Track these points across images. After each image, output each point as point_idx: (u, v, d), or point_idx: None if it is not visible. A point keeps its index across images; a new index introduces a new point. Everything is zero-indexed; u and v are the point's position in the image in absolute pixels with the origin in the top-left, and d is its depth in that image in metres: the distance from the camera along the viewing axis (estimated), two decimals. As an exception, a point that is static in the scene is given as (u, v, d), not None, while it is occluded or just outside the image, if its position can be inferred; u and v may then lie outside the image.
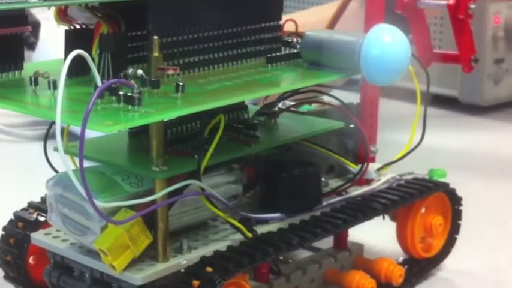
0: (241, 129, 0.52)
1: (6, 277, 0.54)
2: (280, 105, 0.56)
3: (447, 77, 1.04)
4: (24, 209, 0.54)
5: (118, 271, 0.45)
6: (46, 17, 1.15)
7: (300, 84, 0.50)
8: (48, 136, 0.51)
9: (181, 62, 0.47)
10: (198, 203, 0.48)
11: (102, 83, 0.41)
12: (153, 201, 0.45)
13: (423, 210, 0.59)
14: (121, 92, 0.41)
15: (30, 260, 0.54)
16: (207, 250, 0.47)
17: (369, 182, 0.58)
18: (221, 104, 0.44)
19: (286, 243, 0.49)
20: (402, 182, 0.59)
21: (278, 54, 0.52)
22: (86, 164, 0.45)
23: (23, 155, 0.90)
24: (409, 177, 0.60)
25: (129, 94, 0.41)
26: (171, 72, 0.44)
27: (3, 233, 0.54)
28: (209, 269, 0.45)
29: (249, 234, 0.49)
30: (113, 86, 0.41)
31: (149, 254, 0.46)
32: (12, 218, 0.54)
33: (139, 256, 0.46)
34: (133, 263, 0.46)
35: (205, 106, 0.43)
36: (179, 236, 0.48)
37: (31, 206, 0.55)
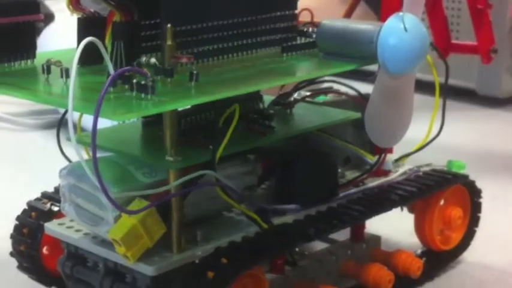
0: (257, 119, 0.51)
1: (20, 267, 0.54)
2: (295, 95, 0.55)
3: (465, 70, 1.02)
4: (37, 199, 0.54)
5: (132, 262, 0.44)
6: (60, 9, 1.16)
7: (315, 74, 0.49)
8: (61, 125, 0.51)
9: (195, 50, 0.47)
10: (212, 193, 0.48)
11: (115, 71, 0.40)
12: (167, 192, 0.45)
13: (442, 202, 0.58)
14: (134, 81, 0.40)
15: (44, 250, 0.53)
16: (222, 241, 0.47)
17: (386, 173, 0.57)
18: (235, 93, 0.43)
19: (303, 235, 0.48)
20: (420, 173, 0.58)
21: (293, 43, 0.51)
22: (99, 154, 0.45)
23: (26, 143, 0.91)
24: (427, 168, 0.59)
25: (142, 82, 0.40)
26: (184, 60, 0.43)
27: (17, 222, 0.53)
28: (224, 260, 0.44)
29: (265, 225, 0.48)
30: (126, 74, 0.41)
31: (163, 245, 0.46)
32: (26, 208, 0.54)
33: (153, 247, 0.45)
34: (147, 254, 0.45)
35: (219, 95, 0.42)
36: (194, 227, 0.48)
37: (44, 196, 0.54)
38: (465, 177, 0.59)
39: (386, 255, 0.56)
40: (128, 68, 0.40)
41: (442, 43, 0.64)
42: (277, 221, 0.50)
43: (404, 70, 0.47)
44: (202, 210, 0.49)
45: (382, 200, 0.53)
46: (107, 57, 0.40)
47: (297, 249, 0.54)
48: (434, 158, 0.60)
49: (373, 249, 0.57)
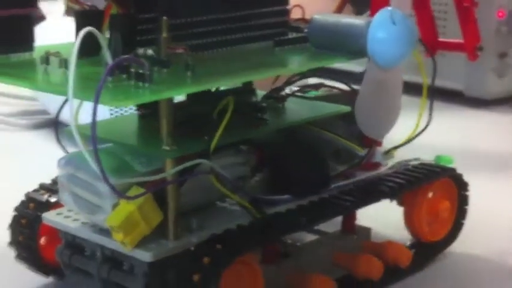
0: (250, 112, 0.53)
1: (19, 257, 0.55)
2: (287, 90, 0.57)
3: (452, 71, 1.04)
4: (35, 190, 0.55)
5: (129, 248, 0.46)
6: (51, 11, 1.17)
7: (306, 66, 0.51)
8: (58, 117, 0.52)
9: (189, 43, 0.48)
10: (207, 183, 0.49)
11: (113, 61, 0.41)
12: (164, 180, 0.46)
13: (430, 195, 0.60)
14: (132, 70, 0.42)
15: (42, 240, 0.54)
16: (217, 229, 0.48)
17: (376, 167, 0.59)
18: (230, 82, 0.44)
19: (296, 223, 0.50)
20: (409, 167, 0.59)
21: (285, 38, 0.53)
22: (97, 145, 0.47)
23: (17, 143, 0.92)
24: (415, 162, 0.61)
25: (140, 71, 0.41)
26: (180, 51, 0.44)
27: (15, 213, 0.54)
28: (219, 246, 0.45)
29: (258, 215, 0.49)
30: (123, 64, 0.42)
31: (160, 233, 0.47)
32: (24, 199, 0.55)
33: (149, 235, 0.46)
34: (144, 241, 0.46)
35: (214, 84, 0.44)
36: (189, 216, 0.49)
37: (42, 187, 0.55)
38: (453, 170, 0.60)
39: (377, 246, 0.58)
40: (127, 57, 0.41)
41: (429, 40, 0.65)
42: (270, 211, 0.51)
43: (392, 63, 0.49)
44: (198, 200, 0.50)
45: (372, 191, 0.55)
46: (105, 46, 0.41)
47: (289, 241, 0.56)
48: (422, 156, 0.61)
49: (364, 241, 0.58)
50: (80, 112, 0.49)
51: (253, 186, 0.53)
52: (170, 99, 0.46)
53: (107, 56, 0.42)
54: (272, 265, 0.52)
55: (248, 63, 0.48)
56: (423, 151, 0.62)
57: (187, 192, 0.48)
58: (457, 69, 1.04)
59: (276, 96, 0.56)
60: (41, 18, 1.08)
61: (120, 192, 0.43)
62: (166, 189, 0.46)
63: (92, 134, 0.39)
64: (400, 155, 0.61)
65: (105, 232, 0.47)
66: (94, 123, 0.39)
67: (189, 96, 0.52)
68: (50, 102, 0.90)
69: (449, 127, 0.96)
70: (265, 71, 0.47)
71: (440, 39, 0.66)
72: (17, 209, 0.54)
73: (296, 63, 0.51)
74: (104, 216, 0.46)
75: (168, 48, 0.45)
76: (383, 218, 0.62)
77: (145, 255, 0.46)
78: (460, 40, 0.65)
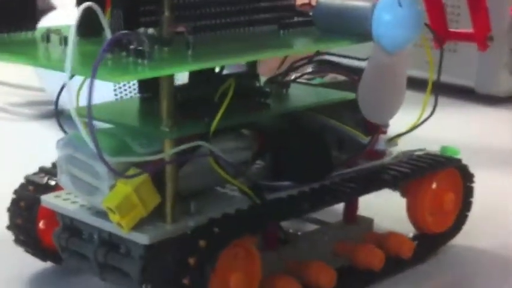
0: (253, 96, 0.52)
1: (16, 240, 0.54)
2: (292, 75, 0.56)
3: (464, 68, 1.03)
4: (35, 173, 0.55)
5: (126, 230, 0.45)
6: (63, 4, 1.17)
7: (310, 49, 0.50)
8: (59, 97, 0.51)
9: (192, 24, 0.47)
10: (207, 167, 0.48)
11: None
12: (161, 161, 0.45)
13: (434, 185, 0.59)
14: (131, 47, 0.41)
15: (41, 224, 0.54)
16: (215, 213, 0.47)
17: (380, 156, 0.58)
18: (231, 62, 0.44)
19: (295, 209, 0.49)
20: (413, 156, 0.59)
21: (290, 21, 0.52)
22: (98, 126, 0.46)
23: (23, 132, 0.92)
24: (420, 152, 0.60)
25: (139, 48, 0.41)
26: (181, 29, 0.44)
27: (14, 196, 0.54)
28: (216, 230, 0.45)
29: (257, 200, 0.49)
30: (123, 41, 0.41)
31: (157, 216, 0.46)
32: (23, 181, 0.54)
33: (147, 217, 0.46)
34: (142, 224, 0.46)
35: (215, 63, 0.43)
36: (188, 199, 0.48)
37: (42, 170, 0.55)
38: (458, 160, 0.59)
39: (379, 236, 0.57)
40: (125, 32, 0.41)
41: (439, 30, 0.64)
42: (271, 197, 0.50)
43: (398, 47, 0.48)
44: (197, 184, 0.49)
45: (373, 179, 0.54)
46: (104, 21, 0.41)
47: (290, 230, 0.55)
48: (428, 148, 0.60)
49: (366, 231, 0.58)
50: (81, 94, 0.49)
51: (254, 171, 0.53)
52: (171, 80, 0.45)
53: (107, 31, 0.41)
54: (272, 251, 0.51)
55: (251, 44, 0.48)
56: (430, 145, 0.61)
57: (186, 175, 0.48)
58: (469, 65, 1.03)
59: (279, 82, 0.55)
60: (50, 8, 1.09)
61: (116, 171, 0.43)
62: (164, 172, 0.46)
63: (88, 111, 0.39)
64: (406, 145, 0.60)
65: (103, 214, 0.46)
66: (90, 99, 0.38)
67: (191, 78, 0.51)
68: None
69: (459, 123, 0.95)
70: (268, 51, 0.47)
71: (450, 30, 0.65)
72: (16, 191, 0.54)
73: (300, 45, 0.50)
74: (101, 198, 0.46)
75: (170, 27, 0.44)
76: (386, 210, 0.61)
77: (142, 238, 0.45)
78: (470, 30, 0.63)
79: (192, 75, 0.51)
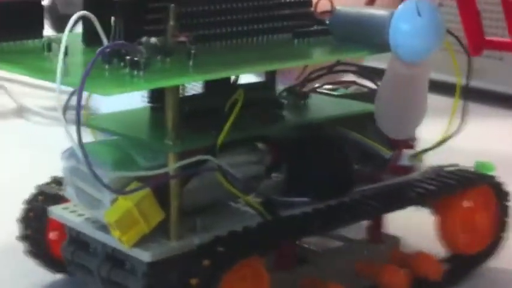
0: (266, 107, 0.50)
1: (27, 251, 0.53)
2: (311, 85, 0.54)
3: (510, 76, 0.98)
4: (47, 183, 0.53)
5: (127, 246, 0.43)
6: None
7: (324, 59, 0.48)
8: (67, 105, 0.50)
9: (199, 33, 0.46)
10: (215, 181, 0.46)
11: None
12: (166, 175, 0.43)
13: (465, 203, 0.55)
14: (127, 57, 0.39)
15: (51, 235, 0.52)
16: (222, 230, 0.45)
17: (407, 171, 0.55)
18: (235, 73, 0.42)
19: (308, 227, 0.46)
20: (442, 172, 0.55)
21: (305, 29, 0.49)
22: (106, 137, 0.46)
23: (52, 136, 0.91)
24: (451, 168, 0.56)
25: (135, 59, 0.39)
26: (182, 39, 0.42)
27: (25, 206, 0.53)
28: (221, 249, 0.43)
29: (268, 216, 0.46)
30: (123, 52, 0.40)
31: (162, 232, 0.44)
32: (34, 191, 0.53)
33: (152, 234, 0.44)
34: (145, 240, 0.44)
35: (216, 75, 0.41)
36: (194, 215, 0.46)
37: (54, 180, 0.54)
38: (491, 177, 0.56)
39: (405, 256, 0.54)
40: (118, 42, 0.39)
41: (474, 39, 0.61)
42: (286, 213, 0.48)
43: (416, 57, 0.45)
44: (205, 199, 0.47)
45: (396, 197, 0.51)
46: (100, 30, 0.40)
47: (306, 246, 0.53)
48: (465, 163, 0.57)
49: (392, 251, 0.55)
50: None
51: (268, 186, 0.50)
52: (176, 90, 0.43)
53: (103, 40, 0.40)
54: (285, 271, 0.49)
55: (261, 54, 0.45)
56: (467, 158, 0.58)
57: (193, 190, 0.46)
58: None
59: (298, 92, 0.53)
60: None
61: (110, 186, 0.41)
62: (168, 187, 0.44)
63: (76, 124, 0.37)
64: (438, 161, 0.57)
65: (107, 229, 0.45)
66: (78, 112, 0.37)
67: (205, 89, 0.50)
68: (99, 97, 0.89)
69: (502, 135, 0.90)
70: (279, 62, 0.45)
71: (488, 38, 0.61)
72: (26, 201, 0.53)
73: (313, 55, 0.47)
74: (103, 211, 0.44)
75: (172, 37, 0.42)
76: (418, 228, 0.58)
77: (144, 255, 0.43)
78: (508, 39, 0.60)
79: (207, 85, 0.50)
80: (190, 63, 0.41)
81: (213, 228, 0.46)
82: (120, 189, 0.42)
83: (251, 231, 0.45)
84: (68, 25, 0.38)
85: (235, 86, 0.49)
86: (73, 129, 0.47)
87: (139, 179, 0.44)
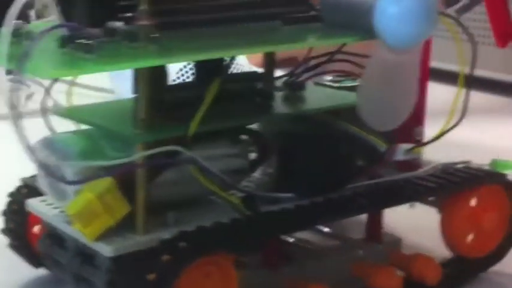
0: (253, 97, 0.47)
1: (10, 245, 0.52)
2: (304, 76, 0.51)
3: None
4: (31, 176, 0.52)
5: (89, 239, 0.41)
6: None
7: (309, 44, 0.45)
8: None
9: (177, 19, 0.43)
10: (190, 174, 0.44)
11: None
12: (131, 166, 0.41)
13: (472, 203, 0.51)
14: (79, 41, 0.38)
15: (34, 229, 0.51)
16: (194, 226, 0.43)
17: (411, 168, 0.51)
18: (202, 57, 0.40)
19: (285, 224, 0.44)
20: (449, 169, 0.52)
21: (294, 16, 0.46)
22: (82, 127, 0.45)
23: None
24: (461, 165, 0.53)
25: (86, 42, 0.37)
26: (145, 23, 0.40)
27: (9, 199, 0.51)
28: (183, 244, 0.40)
29: (244, 212, 0.44)
30: (75, 35, 0.38)
31: (131, 226, 0.42)
32: (19, 184, 0.52)
33: (119, 228, 0.42)
34: (110, 234, 0.42)
35: (181, 59, 0.39)
36: (168, 209, 0.44)
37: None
38: (502, 176, 0.52)
39: (404, 258, 0.50)
40: (60, 23, 0.37)
41: (501, 29, 0.57)
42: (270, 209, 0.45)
43: (404, 44, 0.42)
44: (179, 193, 0.45)
45: (390, 194, 0.48)
46: (55, 12, 0.38)
47: (302, 245, 0.50)
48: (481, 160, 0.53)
49: (391, 251, 0.51)
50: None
51: (253, 180, 0.48)
52: (148, 78, 0.41)
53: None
54: (270, 270, 0.46)
55: (242, 40, 0.43)
56: (478, 153, 0.54)
57: (167, 183, 0.44)
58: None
59: (290, 83, 0.50)
60: None
61: (65, 176, 0.39)
62: (134, 178, 0.42)
63: (13, 114, 0.36)
64: (451, 157, 0.53)
65: (78, 222, 0.43)
66: (12, 98, 0.35)
67: (196, 79, 0.47)
68: (128, 94, 0.87)
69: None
70: (259, 46, 0.42)
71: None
72: (10, 194, 0.51)
73: (302, 40, 0.44)
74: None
75: (137, 21, 0.40)
76: (421, 228, 0.55)
77: (106, 249, 0.41)
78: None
79: (198, 74, 0.47)
80: (152, 47, 0.39)
81: (186, 223, 0.43)
82: (77, 180, 0.40)
83: (220, 227, 0.42)
84: (14, 7, 0.37)
85: (226, 76, 0.46)
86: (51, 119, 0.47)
87: (105, 169, 0.42)
